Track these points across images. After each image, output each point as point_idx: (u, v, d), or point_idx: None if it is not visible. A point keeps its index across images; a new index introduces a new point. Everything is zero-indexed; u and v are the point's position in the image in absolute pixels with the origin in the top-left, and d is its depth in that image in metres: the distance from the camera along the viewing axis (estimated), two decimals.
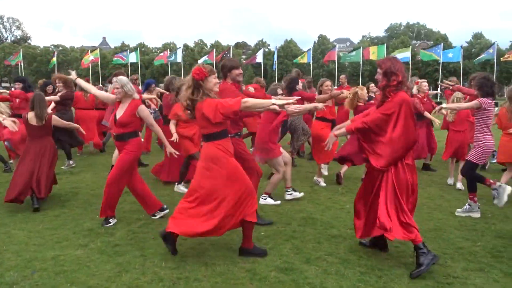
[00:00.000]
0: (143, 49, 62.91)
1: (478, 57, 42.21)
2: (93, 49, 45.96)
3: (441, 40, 56.17)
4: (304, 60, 39.98)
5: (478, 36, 62.63)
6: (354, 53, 41.27)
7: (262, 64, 46.13)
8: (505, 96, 6.97)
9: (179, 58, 43.32)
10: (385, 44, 42.59)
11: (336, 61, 42.48)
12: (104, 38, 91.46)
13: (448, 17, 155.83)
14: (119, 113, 4.78)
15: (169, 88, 7.01)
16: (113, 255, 3.98)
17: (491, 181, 5.19)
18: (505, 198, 5.01)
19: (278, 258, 3.91)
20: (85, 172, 7.80)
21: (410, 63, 43.31)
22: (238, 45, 75.84)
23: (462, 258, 3.96)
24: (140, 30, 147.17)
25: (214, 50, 46.11)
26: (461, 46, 43.56)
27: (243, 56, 68.42)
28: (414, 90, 7.61)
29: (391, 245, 4.23)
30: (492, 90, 5.14)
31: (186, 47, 65.59)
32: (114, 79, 5.04)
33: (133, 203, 5.56)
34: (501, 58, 38.85)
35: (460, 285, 3.41)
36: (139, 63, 44.64)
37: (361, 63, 43.38)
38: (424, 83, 7.81)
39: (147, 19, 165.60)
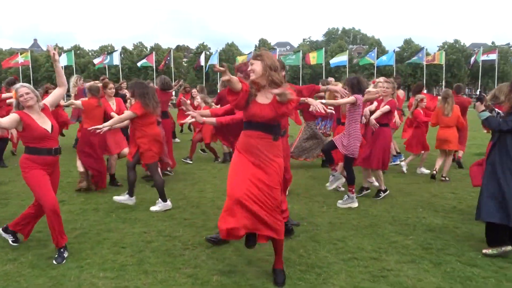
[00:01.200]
0: (78, 51, 60.36)
1: (409, 60, 44.79)
2: (23, 51, 43.42)
3: (376, 45, 58.93)
4: None
5: (408, 42, 66.29)
6: (294, 56, 42.23)
7: (204, 67, 45.90)
8: (440, 96, 7.81)
9: (116, 61, 42.03)
10: (324, 49, 43.95)
11: None
12: (35, 40, 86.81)
13: (382, 23, 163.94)
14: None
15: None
16: (47, 268, 3.77)
17: (336, 167, 6.24)
18: (334, 186, 6.13)
19: (220, 262, 3.90)
20: (15, 181, 7.34)
21: (347, 66, 45.08)
22: (179, 48, 74.85)
23: (395, 251, 4.16)
24: (73, 32, 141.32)
25: (154, 53, 45.21)
26: (394, 51, 46.03)
27: (185, 59, 67.73)
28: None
29: (330, 242, 4.37)
30: (359, 88, 5.66)
31: (124, 49, 63.75)
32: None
33: (69, 213, 5.32)
34: (425, 61, 41.42)
35: (393, 277, 3.58)
36: (73, 66, 42.73)
37: (301, 66, 44.43)
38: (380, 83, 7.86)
39: (81, 20, 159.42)
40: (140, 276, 3.62)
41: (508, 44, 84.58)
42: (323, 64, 44.16)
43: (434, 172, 7.43)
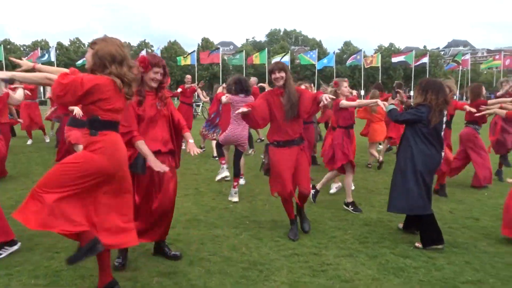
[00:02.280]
0: (8, 46, 56.70)
1: (347, 62, 46.52)
2: None
3: (316, 46, 60.52)
4: (188, 61, 39.80)
5: (347, 44, 68.76)
6: (238, 56, 42.35)
7: None
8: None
9: (53, 58, 39.91)
10: (266, 49, 44.41)
11: (221, 64, 43.06)
12: None
13: (322, 25, 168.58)
14: None
15: None
16: None
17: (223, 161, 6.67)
18: (218, 177, 6.73)
19: (161, 263, 3.82)
20: None
21: (289, 67, 45.87)
22: None
23: (335, 246, 4.30)
24: (2, 24, 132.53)
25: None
26: (334, 53, 47.51)
27: None
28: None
29: (271, 239, 4.43)
30: (241, 88, 6.26)
31: (60, 45, 60.73)
32: None
33: None
34: (363, 63, 43.24)
35: (332, 270, 3.70)
36: (3, 61, 40.04)
37: (244, 66, 44.62)
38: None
39: (10, 12, 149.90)
40: (76, 281, 3.46)
41: (438, 48, 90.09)
42: (266, 64, 44.70)
43: (378, 162, 8.20)
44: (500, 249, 4.24)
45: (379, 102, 5.10)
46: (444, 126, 4.36)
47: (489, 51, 76.37)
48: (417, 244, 4.28)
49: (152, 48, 58.80)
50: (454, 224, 5.03)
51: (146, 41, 68.49)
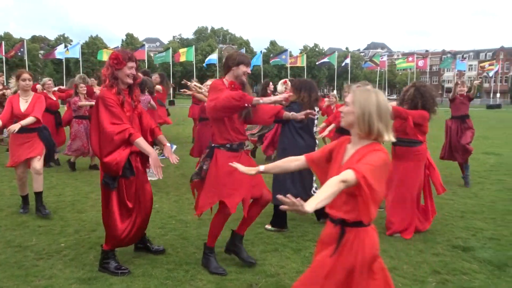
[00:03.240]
0: None
1: (273, 60, 47.54)
2: None
3: (244, 45, 61.06)
4: None
5: (274, 44, 70.11)
6: (164, 53, 41.46)
7: (64, 60, 42.37)
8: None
9: None
10: (194, 46, 44.01)
11: (146, 61, 41.87)
12: None
13: (249, 25, 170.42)
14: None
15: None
16: None
17: None
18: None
19: (80, 269, 3.62)
20: None
21: (217, 65, 45.82)
22: (35, 39, 67.79)
23: (261, 242, 4.35)
24: None
25: (4, 43, 40.14)
26: (261, 52, 48.25)
27: (41, 52, 61.65)
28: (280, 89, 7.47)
29: (198, 239, 4.38)
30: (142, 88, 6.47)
31: None
32: None
33: None
34: (288, 64, 44.50)
35: (258, 266, 3.74)
36: None
37: (171, 63, 43.81)
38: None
39: None
40: None
41: (359, 50, 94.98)
42: (194, 62, 44.25)
43: None
44: (413, 237, 4.55)
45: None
46: (316, 121, 4.72)
47: (404, 53, 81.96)
48: (266, 226, 4.78)
49: (71, 43, 55.60)
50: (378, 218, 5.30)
51: (66, 35, 64.72)
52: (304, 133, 4.61)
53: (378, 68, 49.90)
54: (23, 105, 5.08)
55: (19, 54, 39.80)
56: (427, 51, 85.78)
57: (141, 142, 3.36)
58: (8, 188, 6.45)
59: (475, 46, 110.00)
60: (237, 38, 78.54)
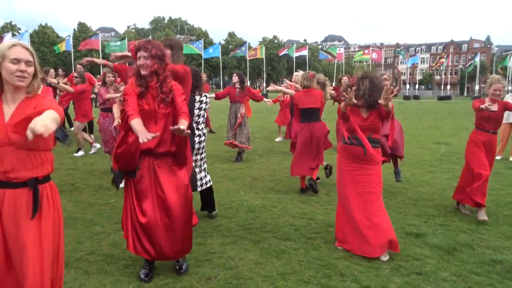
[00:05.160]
0: None
1: (233, 53, 47.35)
2: None
3: (203, 36, 60.32)
4: (63, 48, 36.76)
5: (232, 35, 69.71)
6: (119, 43, 40.23)
7: None
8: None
9: None
10: (150, 37, 42.99)
11: (100, 51, 40.51)
12: None
13: (207, 15, 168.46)
14: None
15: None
16: None
17: None
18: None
19: None
20: None
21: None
22: None
23: (219, 234, 4.32)
24: None
25: None
26: (220, 43, 47.89)
27: None
28: None
29: None
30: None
31: None
32: None
33: None
34: (247, 56, 44.56)
35: (217, 259, 3.71)
36: None
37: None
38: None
39: None
40: None
41: (316, 42, 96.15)
42: None
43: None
44: None
45: None
46: (198, 111, 4.54)
47: (360, 46, 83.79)
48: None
49: (19, 31, 52.87)
50: (330, 205, 5.40)
51: (13, 23, 61.47)
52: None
53: (336, 60, 50.81)
54: None
55: None
56: (382, 44, 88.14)
57: (135, 124, 2.91)
58: None
59: (427, 40, 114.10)
60: (195, 28, 77.53)
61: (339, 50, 49.68)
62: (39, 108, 2.12)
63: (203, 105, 4.57)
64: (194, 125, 4.51)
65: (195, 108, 4.48)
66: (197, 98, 4.51)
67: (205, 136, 4.68)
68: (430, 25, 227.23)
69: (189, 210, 3.33)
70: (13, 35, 39.09)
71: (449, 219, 4.89)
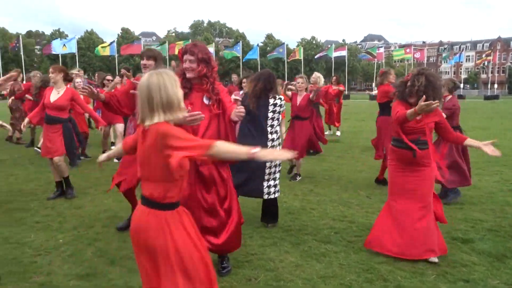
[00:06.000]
0: None
1: (270, 54, 47.47)
2: None
3: (240, 39, 60.78)
4: (107, 52, 38.05)
5: (270, 37, 69.82)
6: (160, 48, 41.29)
7: (60, 56, 42.16)
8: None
9: None
10: (190, 40, 43.73)
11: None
12: None
13: (245, 18, 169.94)
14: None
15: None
16: None
17: None
18: None
19: (78, 265, 3.61)
20: None
21: (214, 58, 45.74)
22: (31, 34, 67.36)
23: (259, 236, 4.34)
24: None
25: None
26: (258, 45, 48.11)
27: (37, 47, 61.29)
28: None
29: None
30: None
31: None
32: None
33: None
34: (285, 56, 44.51)
35: (257, 260, 3.73)
36: None
37: (167, 58, 43.60)
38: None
39: None
40: None
41: (356, 42, 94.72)
42: None
43: None
44: None
45: None
46: (272, 114, 4.47)
47: (400, 45, 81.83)
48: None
49: (67, 38, 55.29)
50: (371, 208, 5.30)
51: (61, 30, 64.33)
52: (253, 123, 4.44)
53: (375, 60, 49.82)
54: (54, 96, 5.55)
55: (15, 49, 39.53)
56: (424, 42, 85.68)
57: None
58: (5, 185, 6.41)
59: (472, 37, 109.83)
60: (234, 31, 78.25)
61: (379, 49, 48.69)
62: None
63: (277, 108, 4.52)
64: (268, 128, 4.47)
65: (269, 111, 4.48)
66: (271, 101, 4.49)
67: (279, 140, 4.59)
68: (475, 21, 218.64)
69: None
70: (61, 41, 40.92)
71: (498, 224, 4.68)
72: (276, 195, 4.62)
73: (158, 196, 2.10)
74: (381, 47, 53.93)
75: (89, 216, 4.93)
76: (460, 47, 75.11)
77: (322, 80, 8.89)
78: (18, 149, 9.54)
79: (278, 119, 4.59)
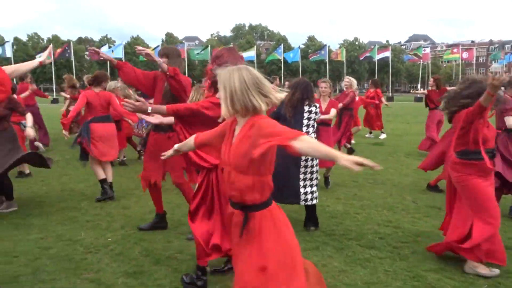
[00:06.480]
0: None
1: (313, 57, 47.11)
2: None
3: (282, 41, 60.77)
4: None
5: (311, 39, 69.40)
6: (203, 52, 42.00)
7: (108, 61, 43.71)
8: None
9: (9, 53, 38.27)
10: (232, 43, 44.25)
11: (186, 59, 42.50)
12: None
13: (286, 20, 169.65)
14: None
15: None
16: None
17: None
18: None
19: (126, 263, 3.72)
20: None
21: (255, 62, 45.94)
22: (81, 41, 70.47)
23: (301, 239, 4.29)
24: None
25: (52, 45, 41.89)
26: (299, 47, 47.90)
27: (87, 53, 63.95)
28: None
29: None
30: None
31: (17, 41, 58.35)
32: None
33: None
34: (330, 57, 44.03)
35: None
36: None
37: (210, 61, 44.31)
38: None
39: None
40: (36, 286, 3.32)
41: (400, 42, 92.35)
42: None
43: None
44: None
45: None
46: (308, 121, 4.54)
47: (448, 45, 79.00)
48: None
49: (114, 44, 57.36)
50: (417, 213, 5.15)
51: (108, 36, 66.88)
52: None
53: (421, 61, 48.36)
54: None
55: (66, 55, 41.47)
56: (472, 41, 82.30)
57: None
58: (58, 184, 6.73)
59: None
60: (275, 34, 78.39)
61: (425, 50, 47.19)
62: None
63: (312, 115, 4.60)
64: None
65: (304, 118, 4.57)
66: (306, 108, 4.58)
67: None
68: None
69: None
70: (109, 47, 42.50)
71: None
72: (314, 201, 4.60)
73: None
74: (427, 47, 52.23)
75: (135, 217, 5.08)
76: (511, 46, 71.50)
77: (355, 83, 8.62)
78: (70, 151, 9.97)
79: (313, 126, 4.63)
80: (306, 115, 4.56)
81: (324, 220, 4.92)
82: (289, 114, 4.49)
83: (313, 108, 4.59)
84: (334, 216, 5.07)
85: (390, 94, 48.32)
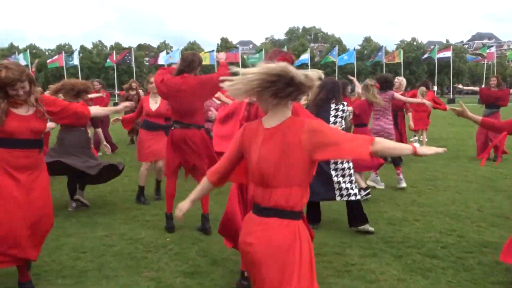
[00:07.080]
0: (34, 50, 58.14)
1: (370, 60, 46.09)
2: None
3: (336, 43, 59.99)
4: (207, 61, 40.07)
5: (368, 40, 67.89)
6: (257, 55, 42.43)
7: (166, 66, 45.32)
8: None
9: (76, 61, 40.84)
10: (286, 47, 44.34)
11: (240, 63, 43.12)
12: None
13: (341, 22, 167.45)
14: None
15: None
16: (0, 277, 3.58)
17: None
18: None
19: (184, 263, 3.83)
20: None
21: (309, 64, 45.67)
22: (140, 47, 73.53)
23: (358, 246, 4.22)
24: (23, 30, 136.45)
25: (114, 52, 44.13)
26: (354, 49, 47.08)
27: (146, 59, 66.62)
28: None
29: None
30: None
31: (83, 49, 61.94)
32: None
33: None
34: (385, 60, 42.83)
35: (357, 271, 3.63)
36: (29, 65, 41.10)
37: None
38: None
39: (29, 17, 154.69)
40: (101, 281, 3.50)
41: (462, 42, 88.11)
42: None
43: None
44: None
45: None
46: (334, 118, 4.63)
47: None
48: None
49: (171, 49, 59.33)
50: (483, 222, 4.88)
51: (166, 42, 69.29)
52: None
53: (485, 60, 45.82)
54: (153, 105, 5.97)
55: (127, 61, 43.48)
56: None
57: None
58: (121, 185, 7.04)
59: None
60: (329, 36, 77.51)
61: (489, 49, 44.66)
62: None
63: (339, 113, 4.69)
64: None
65: (331, 116, 4.68)
66: (333, 106, 4.70)
67: None
68: None
69: None
70: (167, 52, 44.04)
71: None
72: (352, 197, 4.57)
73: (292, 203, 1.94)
74: (492, 46, 49.40)
75: (192, 218, 5.20)
76: None
77: (404, 83, 8.64)
78: (129, 153, 10.41)
79: (340, 123, 4.67)
80: (332, 112, 4.68)
81: (382, 226, 4.79)
82: (313, 113, 4.41)
83: (340, 106, 4.70)
84: (392, 223, 4.92)
85: (451, 96, 46.16)
